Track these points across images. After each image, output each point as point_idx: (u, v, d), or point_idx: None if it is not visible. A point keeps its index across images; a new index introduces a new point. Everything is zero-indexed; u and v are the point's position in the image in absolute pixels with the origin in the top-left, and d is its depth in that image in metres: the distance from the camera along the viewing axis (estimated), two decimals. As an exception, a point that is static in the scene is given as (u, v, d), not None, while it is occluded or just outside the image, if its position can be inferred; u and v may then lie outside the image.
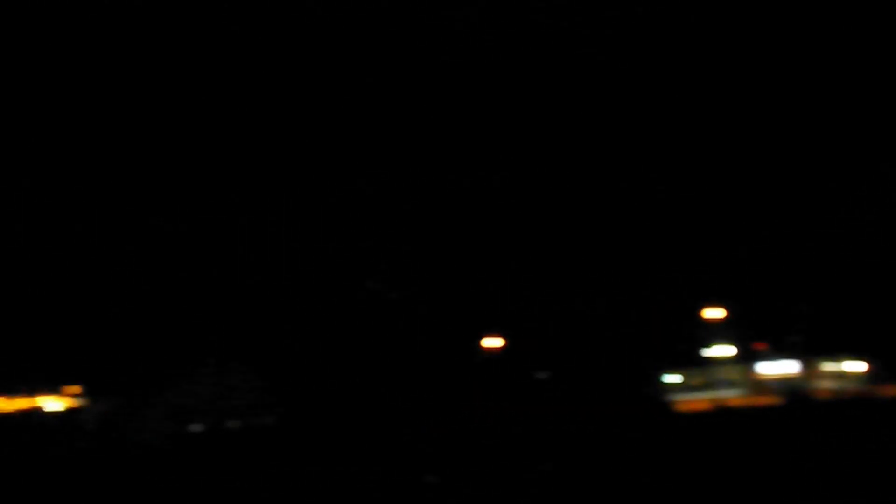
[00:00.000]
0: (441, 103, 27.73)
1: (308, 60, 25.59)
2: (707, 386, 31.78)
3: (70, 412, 33.48)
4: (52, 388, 33.45)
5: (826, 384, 31.13)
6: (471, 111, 28.07)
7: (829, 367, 31.47)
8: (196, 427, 31.85)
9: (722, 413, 29.57)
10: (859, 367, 30.86)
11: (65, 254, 30.07)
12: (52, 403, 33.71)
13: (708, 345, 32.21)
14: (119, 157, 28.06)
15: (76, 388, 33.53)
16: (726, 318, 31.92)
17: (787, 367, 31.68)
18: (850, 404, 28.07)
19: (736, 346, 32.23)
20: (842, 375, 31.16)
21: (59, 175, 28.07)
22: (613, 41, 27.02)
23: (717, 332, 32.21)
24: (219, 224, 30.18)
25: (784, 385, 31.20)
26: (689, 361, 31.93)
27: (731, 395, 31.49)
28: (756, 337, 31.67)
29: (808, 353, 31.35)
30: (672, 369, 31.77)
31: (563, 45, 26.86)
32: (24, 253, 29.49)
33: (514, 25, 26.40)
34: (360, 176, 28.83)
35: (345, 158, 28.55)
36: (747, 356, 32.14)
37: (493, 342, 32.06)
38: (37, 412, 33.56)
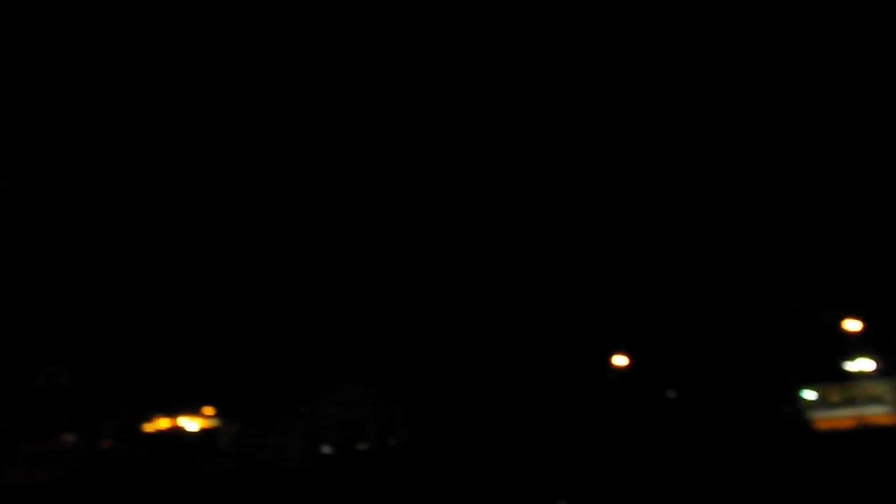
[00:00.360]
0: (441, 104, 27.52)
1: (308, 60, 25.56)
2: (848, 402, 30.41)
3: (206, 432, 34.43)
4: (191, 409, 34.48)
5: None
6: (470, 111, 27.82)
7: None
8: (327, 448, 32.33)
9: (866, 432, 28.23)
10: None
11: (202, 286, 30.93)
12: (191, 424, 34.75)
13: (848, 358, 30.90)
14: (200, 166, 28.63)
15: (211, 410, 34.48)
16: (867, 330, 30.58)
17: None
18: None
19: (879, 359, 30.81)
20: None
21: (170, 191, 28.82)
22: (613, 41, 26.41)
23: (858, 344, 30.88)
24: (351, 246, 30.56)
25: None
26: (829, 376, 30.68)
27: (875, 413, 30.05)
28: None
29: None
30: (810, 385, 30.56)
31: (563, 45, 26.36)
32: (156, 282, 30.45)
33: (514, 25, 26.01)
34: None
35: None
36: (892, 370, 30.67)
37: (620, 360, 31.58)
38: (178, 431, 34.67)
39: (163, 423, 34.65)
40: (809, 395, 30.50)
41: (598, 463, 25.93)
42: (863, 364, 30.82)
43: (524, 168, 28.56)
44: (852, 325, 30.60)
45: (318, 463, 31.41)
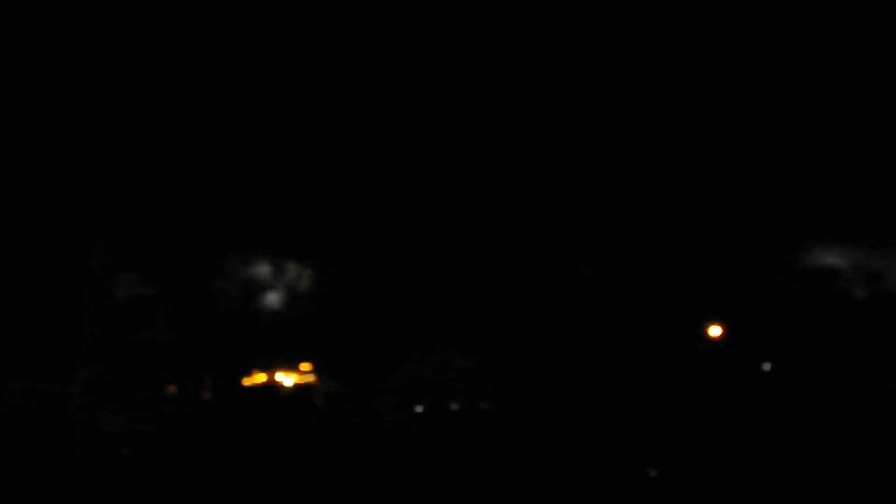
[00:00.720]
0: (440, 103, 27.32)
1: (308, 61, 25.48)
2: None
3: (301, 388, 35.22)
4: (288, 365, 35.28)
5: None
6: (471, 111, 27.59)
7: None
8: (419, 408, 32.81)
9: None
10: None
11: (301, 246, 31.47)
12: (287, 379, 35.56)
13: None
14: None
15: (307, 366, 35.23)
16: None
17: None
18: None
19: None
20: None
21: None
22: (613, 41, 25.87)
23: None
24: (446, 210, 30.77)
25: None
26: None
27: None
28: None
29: None
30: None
31: (563, 45, 25.89)
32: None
33: (514, 25, 25.61)
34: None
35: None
36: None
37: (714, 330, 31.25)
38: (274, 386, 35.54)
39: (259, 378, 35.54)
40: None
41: (690, 434, 25.84)
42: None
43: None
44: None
45: (409, 421, 31.91)
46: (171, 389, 32.52)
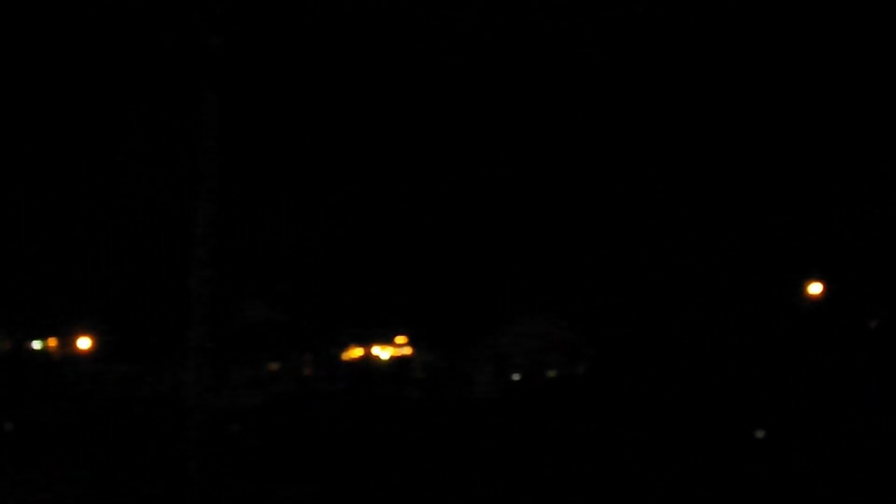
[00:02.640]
0: (441, 103, 26.88)
1: (308, 61, 25.19)
2: None
3: (398, 360, 35.61)
4: (384, 339, 35.69)
5: None
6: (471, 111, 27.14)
7: None
8: (515, 376, 32.93)
9: None
10: None
11: (396, 222, 31.73)
12: (384, 352, 35.99)
13: None
14: None
15: (403, 339, 35.58)
16: None
17: None
18: None
19: None
20: None
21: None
22: (613, 41, 25.14)
23: None
24: (539, 182, 30.74)
25: None
26: None
27: None
28: None
29: None
30: None
31: (563, 45, 25.23)
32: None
33: (513, 25, 25.01)
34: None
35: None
36: None
37: (815, 288, 30.67)
38: (372, 360, 36.02)
39: (357, 352, 36.03)
40: None
41: (794, 394, 25.48)
42: None
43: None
44: None
45: (506, 390, 32.05)
46: (273, 367, 33.20)
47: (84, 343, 33.45)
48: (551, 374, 32.75)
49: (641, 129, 28.97)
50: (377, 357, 35.80)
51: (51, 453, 21.49)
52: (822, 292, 30.48)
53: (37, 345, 34.56)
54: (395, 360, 35.72)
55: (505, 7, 25.54)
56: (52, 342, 34.56)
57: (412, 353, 35.45)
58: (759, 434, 21.48)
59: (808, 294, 30.52)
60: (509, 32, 26.08)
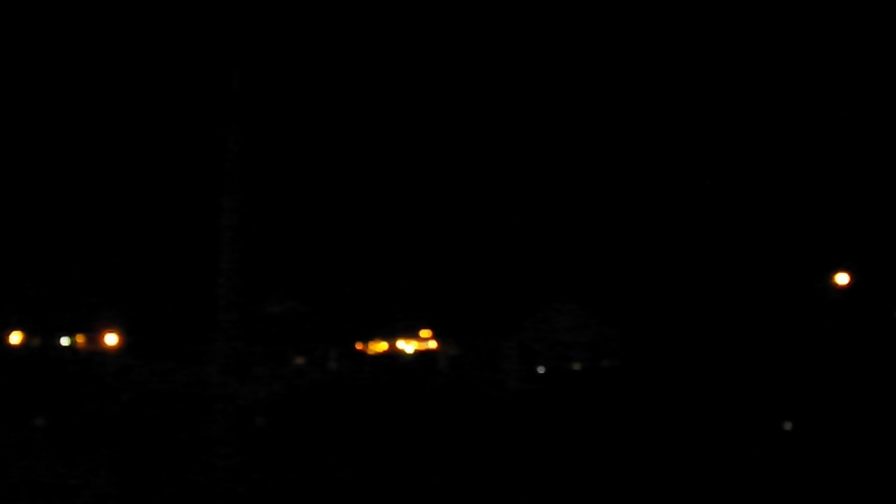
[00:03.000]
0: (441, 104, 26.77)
1: (306, 62, 25.09)
2: None
3: (422, 354, 35.67)
4: (409, 332, 35.76)
5: None
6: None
7: None
8: (541, 369, 32.88)
9: None
10: None
11: (420, 215, 31.79)
12: (408, 346, 36.06)
13: None
14: None
15: (428, 332, 35.63)
16: None
17: None
18: None
19: None
20: None
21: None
22: (613, 41, 24.95)
23: None
24: (570, 174, 30.70)
25: None
26: None
27: None
28: None
29: None
30: None
31: (563, 45, 25.04)
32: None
33: (513, 25, 24.83)
34: None
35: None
36: None
37: (842, 278, 30.47)
38: (397, 354, 36.12)
39: (381, 346, 36.12)
40: None
41: (819, 387, 25.32)
42: None
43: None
44: None
45: (533, 383, 32.01)
46: (299, 361, 33.33)
47: (111, 339, 33.71)
48: (576, 366, 32.70)
49: (669, 120, 28.89)
50: (402, 351, 35.90)
51: (82, 447, 21.67)
52: (849, 283, 30.28)
53: (65, 341, 34.87)
54: (419, 354, 35.80)
55: (505, 7, 25.54)
56: (80, 338, 34.88)
57: (437, 347, 35.52)
58: (787, 426, 21.41)
59: (835, 284, 30.32)
60: (509, 32, 26.09)
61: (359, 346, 35.38)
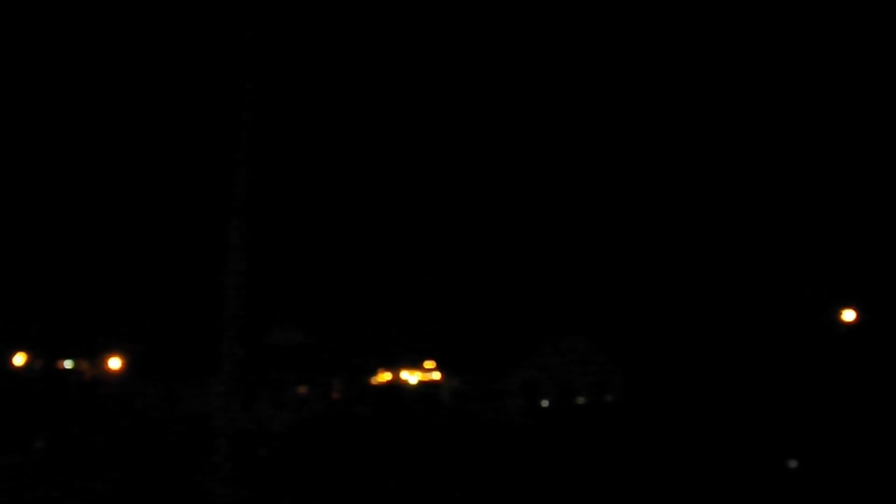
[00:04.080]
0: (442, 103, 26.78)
1: (308, 62, 25.16)
2: None
3: (425, 386, 35.51)
4: (413, 364, 35.62)
5: None
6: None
7: None
8: (544, 402, 32.71)
9: None
10: None
11: (421, 249, 31.77)
12: (412, 377, 35.93)
13: None
14: None
15: (432, 364, 35.50)
16: None
17: None
18: None
19: None
20: None
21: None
22: (613, 41, 24.99)
23: None
24: (573, 204, 30.65)
25: None
26: None
27: None
28: None
29: None
30: None
31: (563, 45, 25.10)
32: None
33: (513, 25, 24.89)
34: None
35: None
36: None
37: (848, 315, 30.33)
38: (400, 384, 35.96)
39: (385, 377, 35.98)
40: None
41: (825, 422, 25.13)
42: None
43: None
44: None
45: (536, 416, 31.82)
46: (302, 390, 33.21)
47: (115, 363, 33.64)
48: (580, 400, 32.53)
49: (672, 155, 28.92)
50: (405, 381, 35.73)
51: (80, 471, 21.57)
52: (856, 319, 30.15)
53: (68, 364, 34.83)
54: (423, 385, 35.62)
55: (505, 7, 25.56)
56: (84, 362, 34.82)
57: (441, 379, 35.34)
58: (792, 464, 21.19)
59: (842, 321, 30.20)
60: (509, 32, 26.11)
61: (362, 376, 35.24)
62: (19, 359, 34.35)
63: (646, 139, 28.64)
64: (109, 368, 33.88)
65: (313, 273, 32.00)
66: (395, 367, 35.63)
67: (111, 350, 33.59)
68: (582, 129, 28.81)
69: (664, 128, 28.28)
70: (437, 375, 35.64)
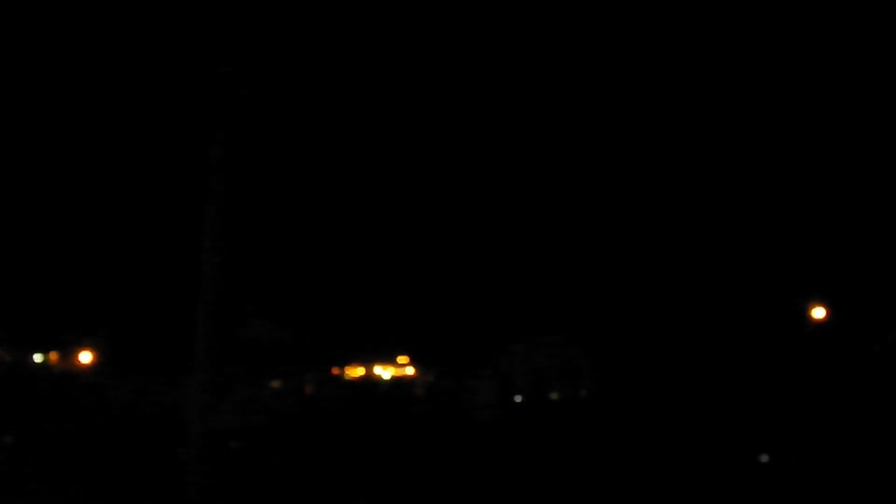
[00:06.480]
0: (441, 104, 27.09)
1: (307, 63, 25.22)
2: None
3: (398, 381, 35.54)
4: (386, 358, 35.64)
5: None
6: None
7: None
8: (518, 398, 32.83)
9: None
10: None
11: (396, 241, 31.75)
12: (385, 372, 35.92)
13: None
14: None
15: (405, 359, 35.51)
16: None
17: None
18: None
19: None
20: None
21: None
22: (613, 41, 25.32)
23: None
24: (543, 198, 30.75)
25: None
26: None
27: None
28: None
29: None
30: None
31: (563, 46, 25.36)
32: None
33: (513, 25, 25.13)
34: None
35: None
36: None
37: (818, 312, 30.62)
38: (373, 379, 35.97)
39: (358, 372, 35.96)
40: None
41: (797, 422, 25.39)
42: None
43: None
44: None
45: (510, 412, 31.94)
46: (275, 384, 33.13)
47: (85, 357, 33.38)
48: (553, 396, 32.66)
49: (651, 150, 29.03)
50: (379, 377, 35.74)
51: (51, 467, 21.42)
52: (826, 316, 30.43)
53: (38, 358, 34.50)
54: (396, 380, 35.66)
55: (505, 7, 25.58)
56: (54, 356, 34.51)
57: (414, 374, 35.40)
58: (764, 458, 21.41)
59: (811, 318, 30.47)
60: (509, 32, 26.11)
61: (335, 370, 35.20)
62: (-13, 352, 34.03)
63: (619, 139, 28.77)
64: (80, 362, 33.62)
65: (286, 268, 31.89)
66: (368, 361, 35.61)
67: (82, 344, 33.33)
68: (559, 127, 28.89)
69: (637, 128, 28.42)
70: (410, 370, 35.66)
